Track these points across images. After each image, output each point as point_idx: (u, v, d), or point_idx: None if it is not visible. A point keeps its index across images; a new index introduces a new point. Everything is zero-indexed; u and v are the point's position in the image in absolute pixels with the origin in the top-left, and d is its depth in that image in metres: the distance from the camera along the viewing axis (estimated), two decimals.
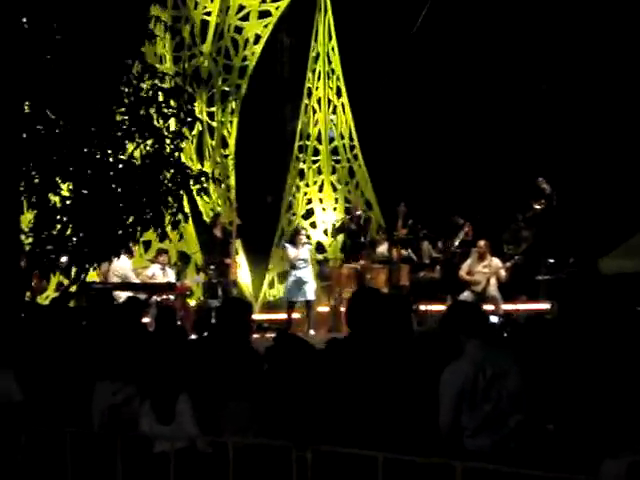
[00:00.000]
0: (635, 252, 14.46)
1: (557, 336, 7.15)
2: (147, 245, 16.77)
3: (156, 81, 10.30)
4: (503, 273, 15.05)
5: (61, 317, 8.64)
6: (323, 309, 17.02)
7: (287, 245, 16.53)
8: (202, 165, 18.94)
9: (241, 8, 19.81)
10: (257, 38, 20.07)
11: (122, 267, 14.93)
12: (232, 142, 19.91)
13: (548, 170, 17.82)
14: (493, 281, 14.95)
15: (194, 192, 10.79)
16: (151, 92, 10.11)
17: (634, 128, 18.42)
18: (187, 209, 11.74)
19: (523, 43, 20.30)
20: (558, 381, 6.54)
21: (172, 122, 10.83)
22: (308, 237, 17.21)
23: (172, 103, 10.33)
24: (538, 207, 16.54)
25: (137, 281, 15.27)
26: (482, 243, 15.14)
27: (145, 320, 13.19)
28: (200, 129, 18.84)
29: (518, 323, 10.33)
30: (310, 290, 15.98)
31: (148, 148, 10.15)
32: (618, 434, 5.55)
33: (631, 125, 18.57)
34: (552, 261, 15.68)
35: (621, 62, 19.12)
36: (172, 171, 10.04)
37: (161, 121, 10.50)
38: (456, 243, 16.50)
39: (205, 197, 17.43)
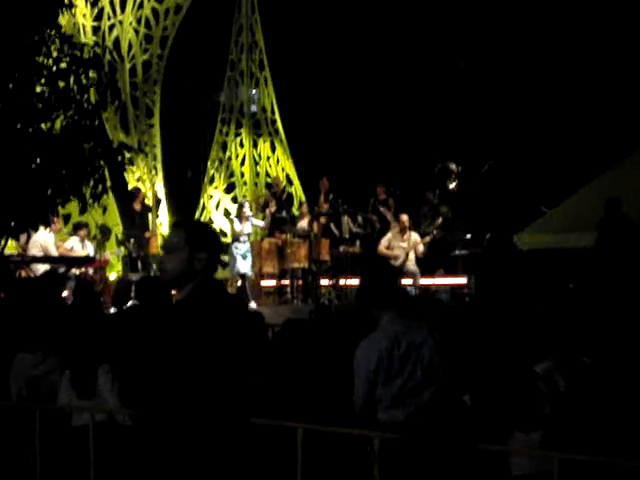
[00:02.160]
0: (549, 227, 14.82)
1: (474, 311, 7.31)
2: (67, 218, 16.62)
3: (76, 52, 10.17)
4: (421, 248, 15.25)
5: None
6: None
7: (235, 219, 16.40)
8: (127, 134, 18.86)
9: None
10: (178, 8, 19.89)
11: (44, 240, 14.76)
12: (157, 112, 19.77)
13: (465, 146, 18.11)
14: (412, 256, 15.13)
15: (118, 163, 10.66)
16: (70, 63, 10.00)
17: (549, 99, 18.81)
18: (108, 181, 11.60)
19: (442, 19, 20.52)
20: (475, 354, 6.71)
21: (92, 92, 10.72)
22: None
23: (92, 74, 10.23)
24: (452, 186, 16.77)
25: (56, 254, 15.09)
26: (404, 218, 15.30)
27: (64, 293, 13.11)
28: (123, 101, 18.69)
29: (439, 299, 10.51)
30: (249, 264, 16.00)
31: (68, 119, 10.04)
32: (528, 408, 5.71)
33: (546, 95, 18.96)
34: (469, 236, 15.93)
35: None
36: (92, 143, 9.95)
37: (81, 92, 10.40)
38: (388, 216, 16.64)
39: (131, 167, 17.33)
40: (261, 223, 16.69)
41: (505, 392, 5.81)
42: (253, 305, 15.48)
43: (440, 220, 16.46)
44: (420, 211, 16.82)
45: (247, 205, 16.53)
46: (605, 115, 18.72)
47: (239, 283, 16.10)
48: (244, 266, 15.88)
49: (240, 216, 16.17)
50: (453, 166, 16.82)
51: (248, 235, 16.19)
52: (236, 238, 16.02)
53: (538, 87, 19.32)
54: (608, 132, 18.25)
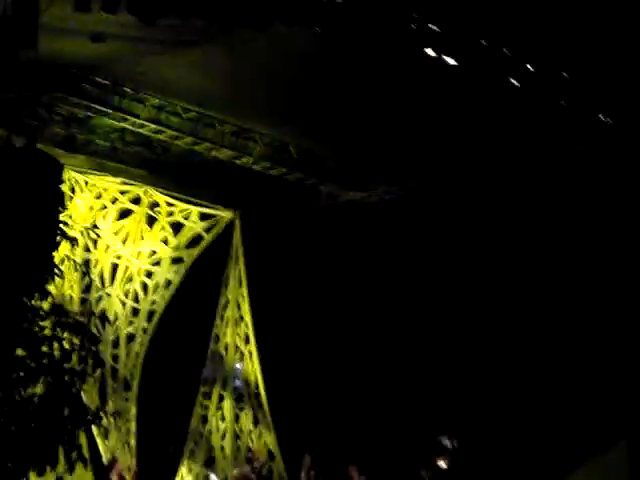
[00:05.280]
0: None
1: None
2: None
3: (63, 319, 10.22)
4: None
5: None
6: None
7: None
8: (103, 407, 18.57)
9: (154, 252, 20.05)
10: (168, 283, 20.19)
11: None
12: (135, 385, 19.61)
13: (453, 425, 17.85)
14: None
15: (94, 433, 10.51)
16: (54, 328, 10.02)
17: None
18: (85, 451, 11.37)
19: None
20: None
21: (74, 359, 10.69)
22: None
23: (75, 340, 10.22)
24: (443, 464, 16.44)
25: None
26: None
27: None
28: (103, 371, 18.59)
29: None
30: None
31: (47, 386, 9.93)
32: None
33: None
34: None
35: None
36: (69, 411, 9.80)
37: (62, 358, 10.35)
38: None
39: (104, 440, 17.04)
40: None
41: None
42: None
43: None
44: None
45: (213, 477, 16.26)
46: None
47: None
48: None
49: None
50: (447, 441, 16.50)
51: None
52: None
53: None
54: None
